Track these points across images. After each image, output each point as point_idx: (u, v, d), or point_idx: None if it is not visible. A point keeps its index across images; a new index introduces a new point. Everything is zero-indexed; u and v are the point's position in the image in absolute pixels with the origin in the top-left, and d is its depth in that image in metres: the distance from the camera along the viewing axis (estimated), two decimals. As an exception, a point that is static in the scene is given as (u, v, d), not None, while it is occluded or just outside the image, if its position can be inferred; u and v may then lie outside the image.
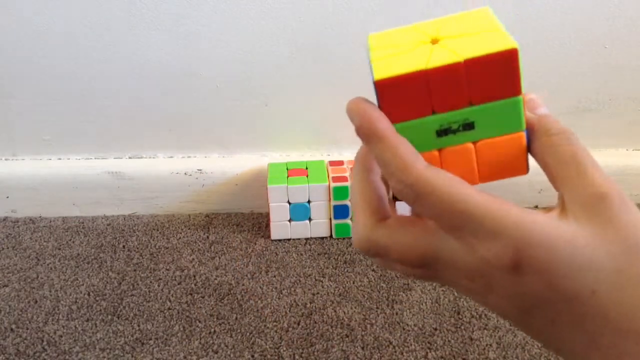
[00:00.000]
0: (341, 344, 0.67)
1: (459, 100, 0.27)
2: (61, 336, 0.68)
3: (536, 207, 0.92)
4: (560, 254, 0.24)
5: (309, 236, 0.85)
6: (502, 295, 0.26)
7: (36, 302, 0.73)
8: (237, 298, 0.74)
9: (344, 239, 0.84)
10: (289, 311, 0.71)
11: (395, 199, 0.30)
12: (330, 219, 0.84)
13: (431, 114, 0.27)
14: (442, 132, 0.27)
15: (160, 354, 0.66)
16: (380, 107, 0.27)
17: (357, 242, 0.29)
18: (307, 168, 0.86)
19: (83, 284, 0.76)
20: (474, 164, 0.28)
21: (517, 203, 0.25)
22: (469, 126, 0.27)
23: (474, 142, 0.28)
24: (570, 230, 0.24)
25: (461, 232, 0.25)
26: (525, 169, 0.29)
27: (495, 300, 0.26)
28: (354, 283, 0.76)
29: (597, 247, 0.24)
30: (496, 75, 0.26)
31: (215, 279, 0.77)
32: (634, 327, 0.23)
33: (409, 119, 0.27)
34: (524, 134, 0.28)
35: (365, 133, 0.26)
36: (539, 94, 0.29)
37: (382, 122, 0.26)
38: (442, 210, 0.25)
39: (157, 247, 0.83)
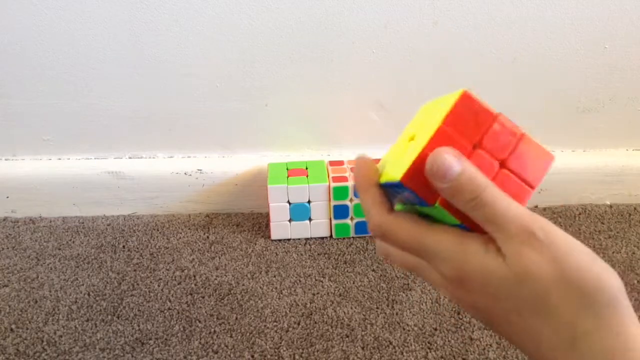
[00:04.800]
0: (341, 344, 0.67)
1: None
2: (61, 336, 0.68)
3: (536, 207, 0.92)
4: (492, 281, 0.30)
5: (309, 236, 0.84)
6: (465, 304, 0.33)
7: (36, 302, 0.73)
8: (237, 298, 0.74)
9: (344, 239, 0.84)
10: (289, 311, 0.71)
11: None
12: (330, 219, 0.84)
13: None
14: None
15: (160, 354, 0.66)
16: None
17: (371, 226, 0.35)
18: (307, 168, 0.86)
19: (83, 284, 0.76)
20: None
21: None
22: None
23: None
24: (498, 264, 0.30)
25: (425, 258, 0.33)
26: None
27: (466, 301, 0.33)
28: (354, 283, 0.76)
29: (509, 278, 0.29)
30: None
31: (215, 279, 0.77)
32: (565, 338, 0.28)
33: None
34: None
35: (356, 186, 0.36)
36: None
37: (361, 180, 0.35)
38: (405, 244, 0.33)
39: (157, 247, 0.83)
